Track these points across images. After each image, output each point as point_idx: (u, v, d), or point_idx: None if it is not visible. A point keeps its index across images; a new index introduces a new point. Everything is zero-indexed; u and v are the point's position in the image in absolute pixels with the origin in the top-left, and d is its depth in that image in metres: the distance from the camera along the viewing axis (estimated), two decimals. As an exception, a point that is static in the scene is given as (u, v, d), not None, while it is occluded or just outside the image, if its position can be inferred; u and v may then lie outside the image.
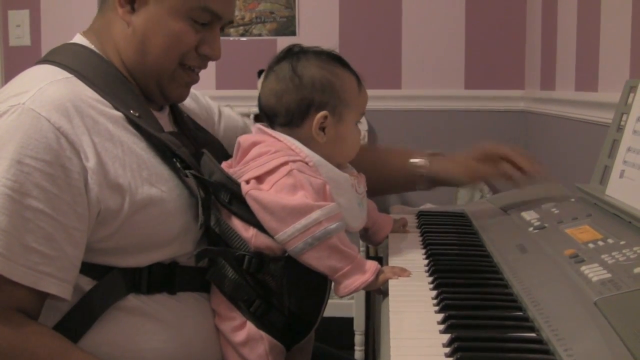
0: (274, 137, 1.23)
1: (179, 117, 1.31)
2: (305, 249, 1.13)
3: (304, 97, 1.23)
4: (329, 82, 1.24)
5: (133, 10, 1.17)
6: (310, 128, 1.23)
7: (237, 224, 1.18)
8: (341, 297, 1.15)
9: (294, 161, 1.18)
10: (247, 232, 1.17)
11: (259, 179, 1.18)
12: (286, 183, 1.16)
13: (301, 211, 1.13)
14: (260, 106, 1.28)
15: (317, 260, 1.13)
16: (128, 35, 1.18)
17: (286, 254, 1.15)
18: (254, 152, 1.22)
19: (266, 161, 1.19)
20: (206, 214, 1.16)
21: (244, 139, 1.25)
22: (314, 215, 1.13)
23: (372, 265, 1.15)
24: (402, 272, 1.17)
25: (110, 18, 1.19)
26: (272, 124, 1.27)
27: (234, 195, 1.18)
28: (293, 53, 1.27)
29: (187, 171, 1.16)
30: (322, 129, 1.24)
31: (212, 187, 1.19)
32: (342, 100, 1.25)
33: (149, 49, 1.17)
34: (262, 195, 1.15)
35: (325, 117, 1.23)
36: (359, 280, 1.13)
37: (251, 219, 1.16)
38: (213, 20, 1.20)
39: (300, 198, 1.14)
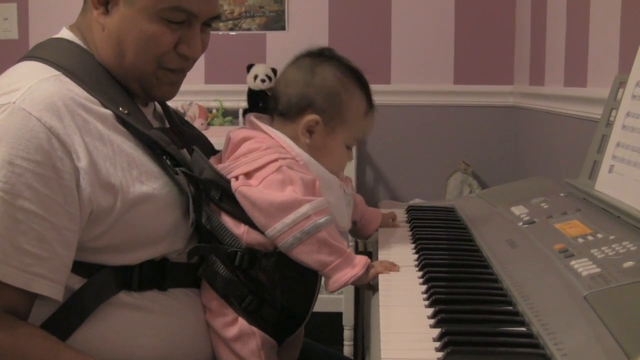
0: (266, 133, 1.23)
1: (166, 112, 1.31)
2: (295, 244, 1.13)
3: (308, 94, 1.24)
4: (337, 92, 1.24)
5: (107, 11, 1.13)
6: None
7: (228, 221, 1.17)
8: (331, 292, 1.15)
9: (284, 158, 1.18)
10: (239, 229, 1.17)
11: (248, 174, 1.18)
12: (275, 179, 1.16)
13: (289, 206, 1.13)
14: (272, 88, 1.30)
15: (306, 254, 1.13)
16: (104, 38, 1.14)
17: (278, 250, 1.15)
18: (244, 147, 1.21)
19: (257, 157, 1.19)
20: (197, 211, 1.15)
21: (234, 134, 1.25)
22: (303, 209, 1.13)
23: (361, 260, 1.15)
24: (393, 266, 1.17)
25: (90, 19, 1.16)
26: (270, 112, 1.28)
27: (224, 193, 1.18)
28: (323, 54, 1.28)
29: (177, 168, 1.15)
30: (311, 132, 1.24)
31: (203, 184, 1.18)
32: (342, 115, 1.25)
33: (125, 52, 1.14)
34: (250, 191, 1.15)
35: (317, 122, 1.23)
36: (348, 274, 1.13)
37: (242, 216, 1.16)
38: (190, 18, 1.15)
39: (288, 193, 1.14)
